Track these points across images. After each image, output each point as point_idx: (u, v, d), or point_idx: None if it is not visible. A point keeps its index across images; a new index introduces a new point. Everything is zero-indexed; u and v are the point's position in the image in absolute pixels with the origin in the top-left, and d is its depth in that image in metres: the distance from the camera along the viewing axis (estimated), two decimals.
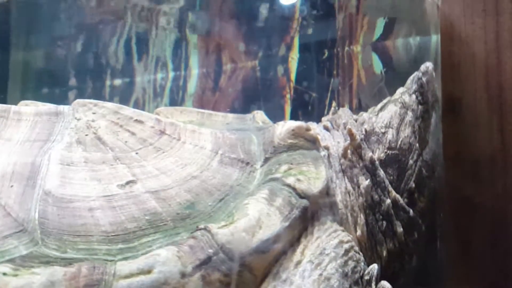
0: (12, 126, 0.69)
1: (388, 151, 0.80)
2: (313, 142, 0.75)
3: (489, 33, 0.94)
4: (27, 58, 1.36)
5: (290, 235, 0.64)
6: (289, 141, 0.73)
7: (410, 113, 0.83)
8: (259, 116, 0.89)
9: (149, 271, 0.54)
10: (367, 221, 0.76)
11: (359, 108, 1.07)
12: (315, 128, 0.83)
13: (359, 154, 0.79)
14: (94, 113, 0.71)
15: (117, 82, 1.28)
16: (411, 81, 0.87)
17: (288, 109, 1.15)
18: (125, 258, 0.56)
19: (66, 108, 0.72)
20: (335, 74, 1.09)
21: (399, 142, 0.81)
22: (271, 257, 0.62)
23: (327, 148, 0.80)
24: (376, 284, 0.67)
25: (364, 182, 0.77)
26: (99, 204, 0.60)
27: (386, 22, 1.05)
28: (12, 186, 0.61)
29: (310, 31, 1.13)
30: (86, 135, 0.68)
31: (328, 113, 0.97)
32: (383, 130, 0.81)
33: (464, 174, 0.95)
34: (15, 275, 0.51)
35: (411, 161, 0.81)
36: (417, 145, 0.82)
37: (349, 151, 0.79)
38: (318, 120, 0.90)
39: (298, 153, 0.73)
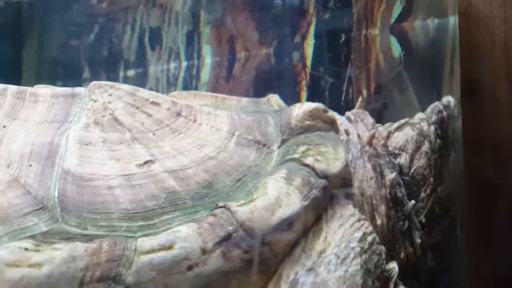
0: (29, 107, 0.69)
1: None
2: (331, 124, 0.74)
3: (508, 11, 0.91)
4: (41, 51, 1.37)
5: (310, 215, 0.63)
6: (307, 122, 0.72)
7: (427, 144, 0.80)
8: (274, 99, 0.88)
9: (170, 247, 0.54)
10: (388, 214, 0.74)
11: (377, 93, 1.06)
12: (335, 114, 0.82)
13: (386, 146, 0.77)
14: (110, 95, 0.71)
15: (131, 72, 1.28)
16: (431, 111, 0.84)
17: (304, 95, 1.14)
18: (146, 235, 0.55)
19: (82, 89, 0.72)
20: (353, 59, 1.07)
21: (411, 170, 0.78)
22: (292, 236, 0.61)
23: (347, 132, 0.78)
24: (394, 286, 0.66)
25: (390, 174, 0.75)
26: (118, 183, 0.60)
27: (404, 4, 1.03)
28: (31, 165, 0.61)
29: (326, 15, 1.12)
30: (103, 116, 0.68)
31: (345, 99, 0.95)
32: (396, 152, 0.78)
33: (484, 157, 0.93)
34: (37, 250, 0.51)
35: (423, 194, 0.78)
36: (432, 179, 0.79)
37: (374, 140, 0.77)
38: (336, 106, 0.89)
39: (316, 135, 0.72)
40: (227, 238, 0.56)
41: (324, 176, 0.65)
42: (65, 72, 1.37)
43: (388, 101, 1.05)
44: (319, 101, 0.75)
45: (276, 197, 0.61)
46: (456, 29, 0.94)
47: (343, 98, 1.07)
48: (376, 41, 1.05)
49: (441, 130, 0.82)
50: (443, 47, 0.95)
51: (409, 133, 0.80)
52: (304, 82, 1.13)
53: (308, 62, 1.13)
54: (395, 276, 0.66)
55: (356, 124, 0.81)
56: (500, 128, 0.92)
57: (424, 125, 0.82)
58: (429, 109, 0.85)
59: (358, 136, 0.78)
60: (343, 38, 1.09)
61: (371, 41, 1.05)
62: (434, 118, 0.83)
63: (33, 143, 0.63)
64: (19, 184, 0.59)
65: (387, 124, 0.85)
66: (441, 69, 0.98)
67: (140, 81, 1.26)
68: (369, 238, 0.66)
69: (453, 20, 0.95)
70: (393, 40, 1.04)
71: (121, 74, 1.27)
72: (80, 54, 1.33)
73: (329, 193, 0.66)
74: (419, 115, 0.85)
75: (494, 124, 0.92)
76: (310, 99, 1.11)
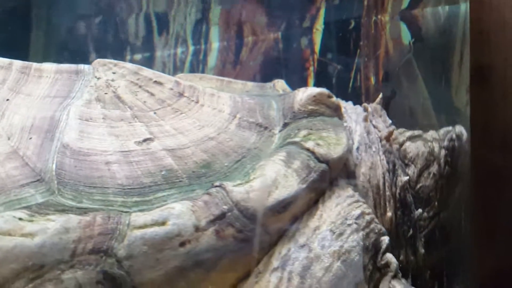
0: (33, 82, 0.69)
1: None
2: (335, 110, 0.73)
3: None
4: (48, 35, 1.38)
5: (307, 198, 0.63)
6: (310, 107, 0.72)
7: (436, 166, 0.79)
8: (280, 84, 0.88)
9: (163, 223, 0.54)
10: (396, 213, 0.73)
11: (385, 80, 1.04)
12: (348, 105, 0.81)
13: (399, 152, 0.76)
14: (114, 73, 0.71)
15: (137, 57, 1.28)
16: (444, 134, 0.83)
17: (311, 82, 1.13)
18: (140, 210, 0.56)
19: (87, 67, 0.72)
20: (362, 46, 1.06)
21: (417, 186, 0.77)
22: (287, 218, 0.61)
23: (365, 119, 0.77)
24: (382, 256, 0.65)
25: (403, 176, 0.74)
26: (116, 159, 0.60)
27: None
28: (31, 138, 0.61)
29: (336, 0, 1.10)
30: (106, 93, 0.68)
31: (353, 86, 0.94)
32: (405, 161, 0.77)
33: (493, 145, 0.92)
34: (31, 221, 0.52)
35: (425, 214, 0.77)
36: (436, 203, 0.78)
37: (392, 138, 0.76)
38: (343, 93, 0.89)
39: (319, 120, 0.71)
40: (221, 217, 0.56)
41: (324, 160, 0.65)
42: (72, 55, 1.37)
43: (396, 89, 1.03)
44: (326, 88, 0.74)
45: (273, 178, 0.61)
46: (467, 16, 0.93)
47: (351, 85, 1.06)
48: (386, 28, 1.03)
49: (451, 158, 0.81)
50: (453, 34, 0.94)
51: (420, 148, 0.79)
52: (311, 68, 1.12)
53: (317, 48, 1.11)
54: (385, 246, 0.65)
55: (374, 118, 0.81)
56: (509, 116, 0.90)
57: (436, 146, 0.81)
58: (442, 131, 0.84)
59: (375, 127, 0.77)
60: (352, 24, 1.07)
61: (381, 28, 1.04)
62: (446, 143, 0.82)
63: (34, 117, 0.64)
64: (18, 156, 0.59)
65: (400, 130, 0.83)
66: (450, 57, 0.96)
67: (147, 65, 1.25)
68: (367, 217, 0.65)
69: (464, 7, 0.93)
70: (403, 27, 1.02)
71: (128, 58, 1.27)
72: (87, 37, 1.33)
73: (329, 177, 0.66)
74: (432, 134, 0.83)
75: (503, 111, 0.91)
76: (317, 85, 1.09)
